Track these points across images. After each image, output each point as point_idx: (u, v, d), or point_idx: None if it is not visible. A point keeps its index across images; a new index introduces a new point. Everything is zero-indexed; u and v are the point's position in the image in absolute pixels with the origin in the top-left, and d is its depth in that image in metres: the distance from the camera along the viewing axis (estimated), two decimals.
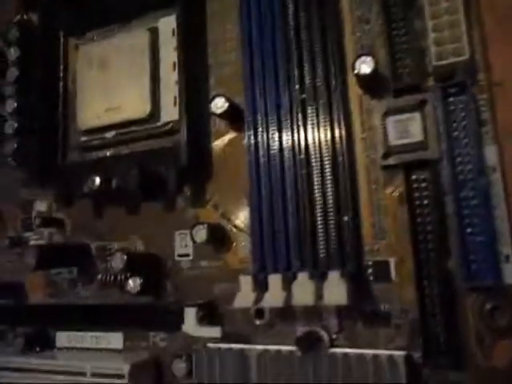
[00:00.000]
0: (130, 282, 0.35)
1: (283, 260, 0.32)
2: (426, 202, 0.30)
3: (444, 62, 0.29)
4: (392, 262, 0.31)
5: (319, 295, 0.28)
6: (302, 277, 0.29)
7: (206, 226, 0.34)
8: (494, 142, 0.30)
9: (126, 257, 0.34)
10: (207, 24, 0.40)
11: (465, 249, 0.28)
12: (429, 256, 0.29)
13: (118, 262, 0.34)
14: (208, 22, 0.40)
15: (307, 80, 0.34)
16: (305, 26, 0.34)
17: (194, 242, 0.34)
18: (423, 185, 0.30)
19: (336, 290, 0.27)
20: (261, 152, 0.34)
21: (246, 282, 0.30)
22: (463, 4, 0.29)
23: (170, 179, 0.36)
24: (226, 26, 0.39)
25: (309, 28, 0.34)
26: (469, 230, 0.29)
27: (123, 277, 0.36)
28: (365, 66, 0.31)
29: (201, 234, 0.34)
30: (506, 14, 0.32)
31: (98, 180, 0.37)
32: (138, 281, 0.35)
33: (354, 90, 0.34)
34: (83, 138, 0.43)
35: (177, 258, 0.37)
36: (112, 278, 0.37)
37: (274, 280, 0.29)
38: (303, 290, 0.28)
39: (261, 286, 0.31)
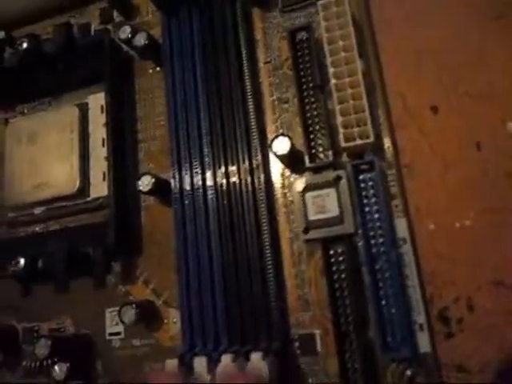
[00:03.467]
0: (56, 368, 0.33)
1: (211, 338, 0.32)
2: (343, 275, 0.31)
3: (351, 144, 0.31)
4: (317, 334, 0.32)
5: None
6: (225, 360, 0.29)
7: (134, 306, 0.34)
8: (403, 214, 0.32)
9: (50, 342, 0.33)
10: (136, 100, 0.41)
11: (381, 320, 0.30)
12: (349, 328, 0.30)
13: (42, 348, 0.33)
14: (138, 97, 0.41)
15: (230, 158, 0.35)
16: (227, 105, 0.36)
17: (123, 322, 0.34)
18: (340, 258, 0.31)
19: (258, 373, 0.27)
20: (188, 229, 0.35)
21: (171, 367, 0.29)
22: (366, 91, 0.32)
23: (98, 258, 0.35)
24: (155, 102, 0.41)
25: (231, 106, 0.36)
26: (384, 302, 0.30)
27: (49, 362, 0.35)
28: (281, 147, 0.33)
29: (129, 314, 0.33)
30: (412, 102, 0.35)
31: (22, 261, 0.36)
32: (65, 366, 0.33)
33: (276, 166, 0.35)
34: (11, 214, 0.42)
35: (108, 338, 0.37)
36: (38, 364, 0.35)
37: (199, 363, 0.29)
38: None
39: (188, 368, 0.30)
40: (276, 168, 0.35)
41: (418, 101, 0.35)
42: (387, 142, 0.33)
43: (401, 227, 0.32)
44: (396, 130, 0.34)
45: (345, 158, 0.33)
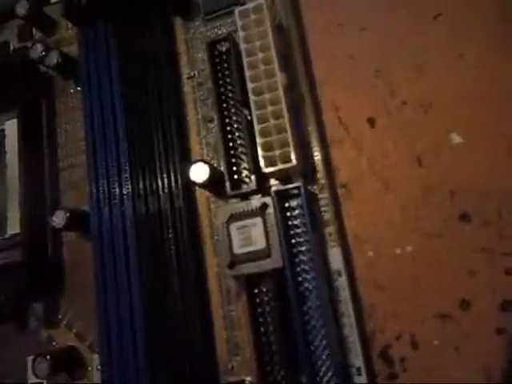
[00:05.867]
0: None
1: None
2: (270, 316, 0.28)
3: (272, 169, 0.28)
4: (247, 381, 0.29)
5: None
6: None
7: (48, 357, 0.30)
8: (338, 243, 0.29)
9: None
10: (57, 124, 0.38)
11: (312, 366, 0.26)
12: (278, 374, 0.27)
13: None
14: (58, 121, 0.38)
15: (149, 186, 0.32)
16: (146, 127, 0.33)
17: (36, 376, 0.31)
18: (267, 297, 0.28)
19: None
20: (107, 266, 0.32)
21: None
22: (292, 106, 0.29)
23: (5, 301, 0.32)
24: (76, 125, 0.37)
25: (151, 128, 0.33)
26: (315, 345, 0.27)
27: None
28: (199, 174, 0.29)
29: (41, 367, 0.30)
30: (347, 114, 0.31)
31: None
32: None
33: (201, 192, 0.32)
34: None
35: None
36: None
37: None
38: None
39: None
40: (201, 195, 0.32)
41: (353, 113, 0.31)
42: (319, 162, 0.30)
43: (335, 258, 0.28)
44: (331, 147, 0.31)
45: (274, 182, 0.30)
